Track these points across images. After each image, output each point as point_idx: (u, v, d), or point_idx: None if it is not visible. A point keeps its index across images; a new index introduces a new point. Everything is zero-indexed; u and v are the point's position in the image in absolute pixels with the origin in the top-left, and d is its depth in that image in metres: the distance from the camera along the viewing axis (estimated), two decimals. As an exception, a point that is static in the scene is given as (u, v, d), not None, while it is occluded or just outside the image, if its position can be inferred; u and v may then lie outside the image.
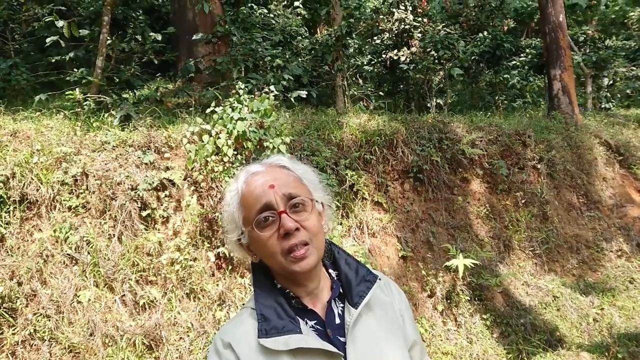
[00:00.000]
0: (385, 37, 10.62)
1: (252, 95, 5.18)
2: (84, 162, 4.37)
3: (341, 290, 1.34)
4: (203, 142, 4.70)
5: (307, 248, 1.22)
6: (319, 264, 1.29)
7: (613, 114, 11.24)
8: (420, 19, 10.23)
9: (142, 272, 4.21)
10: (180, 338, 4.09)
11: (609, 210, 7.50)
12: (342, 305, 1.31)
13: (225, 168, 4.69)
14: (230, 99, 5.04)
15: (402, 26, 10.07)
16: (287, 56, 8.23)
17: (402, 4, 10.23)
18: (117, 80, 6.98)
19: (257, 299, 1.26)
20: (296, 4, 11.43)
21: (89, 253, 4.07)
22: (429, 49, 9.48)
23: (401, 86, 11.28)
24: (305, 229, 1.22)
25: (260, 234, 1.22)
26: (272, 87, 6.03)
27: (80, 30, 6.94)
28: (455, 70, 9.32)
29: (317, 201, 1.30)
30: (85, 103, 5.41)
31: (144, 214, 4.43)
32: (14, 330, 3.65)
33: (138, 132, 4.97)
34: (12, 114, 5.26)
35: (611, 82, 13.41)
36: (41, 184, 4.12)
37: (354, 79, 10.78)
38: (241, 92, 5.11)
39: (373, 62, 11.27)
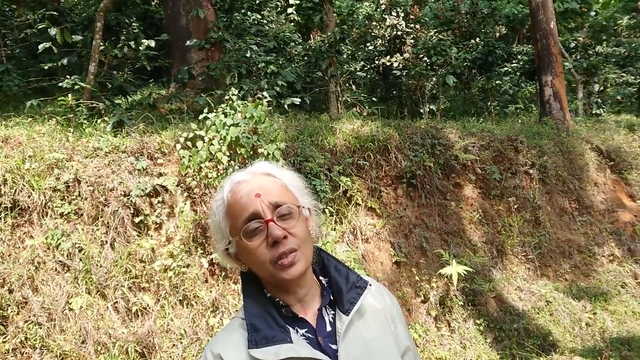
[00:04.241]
0: (378, 44, 10.67)
1: (245, 101, 5.18)
2: (76, 168, 4.35)
3: (332, 297, 1.33)
4: (197, 148, 4.70)
5: (295, 255, 1.21)
6: (308, 270, 1.29)
7: (604, 119, 11.33)
8: (412, 25, 10.29)
9: (134, 279, 4.18)
10: (173, 345, 4.06)
11: (601, 215, 7.55)
12: (333, 312, 1.31)
13: (219, 174, 4.69)
14: (223, 105, 5.04)
15: (395, 32, 10.12)
16: (280, 62, 8.24)
17: (395, 10, 10.30)
18: (110, 86, 6.96)
19: (246, 309, 1.26)
20: (290, 10, 11.47)
21: (81, 260, 4.05)
22: (421, 55, 9.54)
23: (394, 92, 11.32)
24: (293, 236, 1.22)
25: (248, 243, 1.22)
26: (265, 93, 6.04)
27: (73, 36, 6.93)
28: (450, 78, 9.37)
29: (303, 207, 1.30)
30: (77, 109, 5.39)
31: (136, 220, 4.42)
32: (4, 338, 3.61)
33: (131, 138, 4.96)
34: (4, 119, 5.24)
35: (602, 88, 13.51)
36: (33, 190, 4.09)
37: (347, 85, 10.81)
38: (234, 98, 5.11)
39: (366, 68, 11.31)
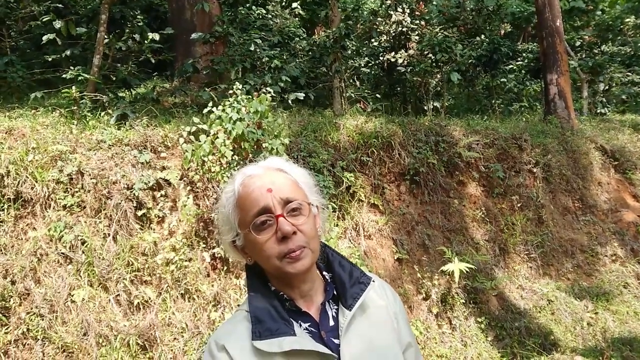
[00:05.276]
0: (383, 40, 10.63)
1: (250, 96, 5.17)
2: (80, 160, 4.35)
3: (335, 292, 1.34)
4: (200, 142, 4.69)
5: (303, 250, 1.22)
6: (313, 266, 1.29)
7: (608, 119, 11.29)
8: (417, 21, 10.25)
9: (136, 272, 4.19)
10: (175, 338, 4.07)
11: (604, 215, 7.53)
12: (336, 307, 1.32)
13: (223, 168, 4.68)
14: (230, 99, 5.02)
15: (400, 29, 10.09)
16: (284, 57, 8.22)
17: (400, 6, 10.25)
18: (114, 78, 6.96)
19: (250, 302, 1.27)
20: (294, 5, 11.43)
21: (83, 252, 4.05)
22: (426, 52, 9.50)
23: (398, 88, 11.29)
24: (302, 232, 1.23)
25: (257, 237, 1.22)
26: (269, 88, 6.02)
27: (78, 29, 6.92)
28: (455, 75, 9.33)
29: (312, 204, 1.30)
30: (81, 101, 5.39)
31: (139, 213, 4.42)
32: (6, 329, 3.62)
33: (134, 131, 4.96)
34: (8, 111, 5.24)
35: (607, 87, 13.46)
36: (36, 182, 4.10)
37: (351, 80, 10.77)
38: (239, 92, 5.09)
39: (370, 64, 11.27)
